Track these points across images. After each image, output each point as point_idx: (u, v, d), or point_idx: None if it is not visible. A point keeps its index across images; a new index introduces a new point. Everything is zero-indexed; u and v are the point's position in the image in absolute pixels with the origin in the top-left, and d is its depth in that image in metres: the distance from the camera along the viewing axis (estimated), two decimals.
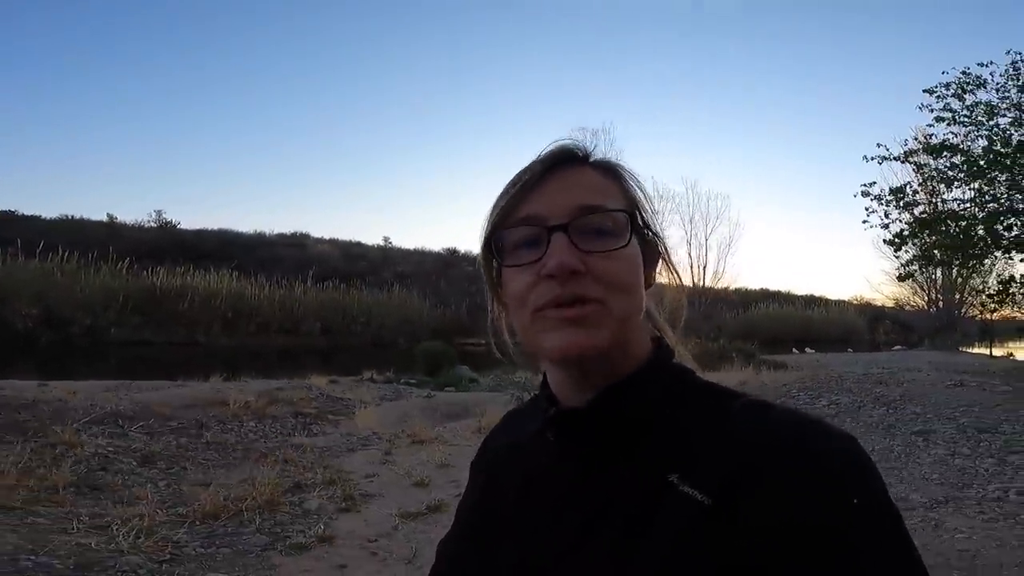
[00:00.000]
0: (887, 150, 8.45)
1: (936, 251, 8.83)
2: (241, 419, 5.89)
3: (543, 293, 0.49)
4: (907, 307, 25.34)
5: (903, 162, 8.70)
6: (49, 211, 42.77)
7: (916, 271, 10.87)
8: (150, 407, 5.90)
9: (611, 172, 0.55)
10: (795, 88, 52.18)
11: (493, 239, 0.54)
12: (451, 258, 37.03)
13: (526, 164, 0.55)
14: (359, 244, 37.68)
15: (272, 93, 55.03)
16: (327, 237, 38.14)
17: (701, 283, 20.48)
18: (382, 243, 38.92)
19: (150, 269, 24.86)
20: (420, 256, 37.12)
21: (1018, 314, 11.70)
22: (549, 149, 0.55)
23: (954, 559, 2.92)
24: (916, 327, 27.30)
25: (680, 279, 0.60)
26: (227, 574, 2.57)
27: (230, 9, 52.52)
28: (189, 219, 52.65)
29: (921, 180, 8.96)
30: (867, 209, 8.59)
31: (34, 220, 31.17)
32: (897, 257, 9.32)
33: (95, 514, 3.05)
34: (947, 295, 18.73)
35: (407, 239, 55.15)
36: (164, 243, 31.56)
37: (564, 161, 0.54)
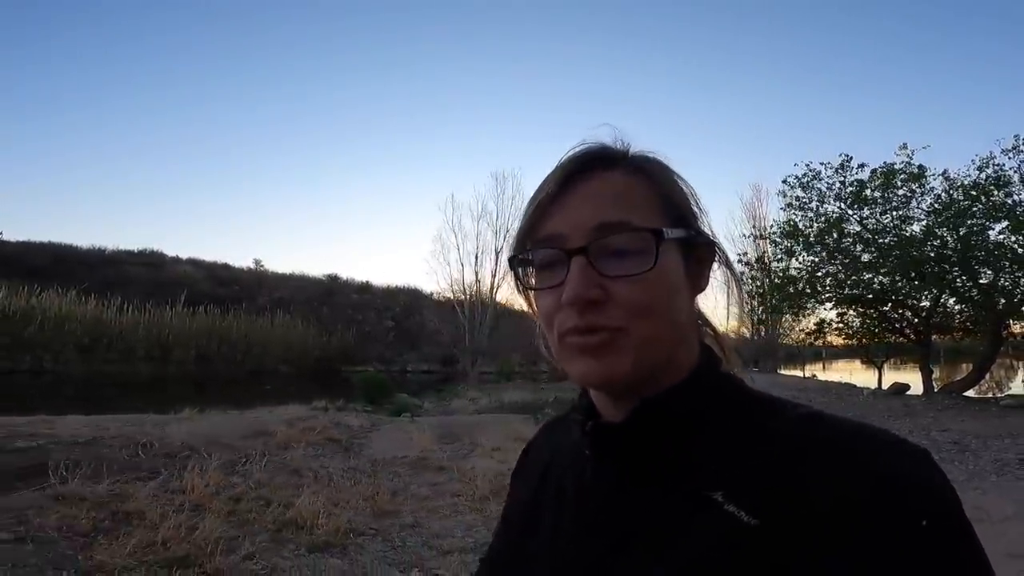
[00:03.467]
0: (757, 230, 12.24)
1: (783, 304, 12.81)
2: (300, 446, 7.01)
3: (564, 320, 0.48)
4: (731, 334, 31.89)
5: (765, 239, 12.65)
6: None
7: (769, 317, 14.98)
8: (219, 440, 6.81)
9: (641, 172, 0.51)
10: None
11: (517, 259, 0.52)
12: (333, 284, 36.64)
13: (549, 173, 0.52)
14: (227, 266, 35.59)
15: (114, 94, 49.17)
16: (186, 256, 35.51)
17: None
18: (253, 266, 37.22)
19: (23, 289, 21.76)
20: (298, 281, 36.16)
21: (817, 343, 16.50)
22: (567, 156, 0.52)
23: None
24: (741, 352, 34.05)
25: (737, 282, 0.56)
26: None
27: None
28: (10, 229, 44.35)
29: (774, 253, 12.90)
30: (741, 273, 12.24)
31: None
32: (760, 306, 13.23)
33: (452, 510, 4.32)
34: (768, 327, 24.57)
35: (281, 263, 51.81)
36: None
37: (585, 168, 0.50)
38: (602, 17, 56.87)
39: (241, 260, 37.35)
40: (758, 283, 13.16)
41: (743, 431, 0.47)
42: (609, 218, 0.48)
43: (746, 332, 29.15)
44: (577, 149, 0.52)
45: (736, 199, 35.71)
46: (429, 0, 54.21)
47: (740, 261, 12.43)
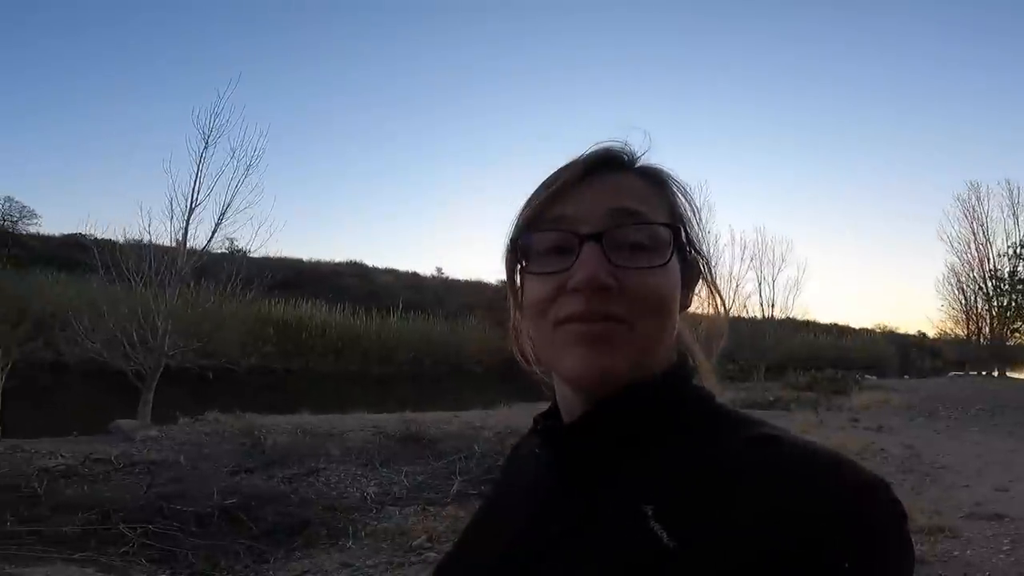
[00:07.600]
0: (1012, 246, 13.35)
1: None
2: None
3: (564, 306, 0.48)
4: (942, 336, 30.39)
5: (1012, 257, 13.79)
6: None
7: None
8: (519, 431, 9.54)
9: (657, 181, 0.54)
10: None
11: (519, 241, 0.53)
12: (505, 290, 40.01)
13: (564, 163, 0.53)
14: (416, 275, 40.66)
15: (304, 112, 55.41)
16: (382, 266, 41.28)
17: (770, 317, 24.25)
18: (436, 273, 41.65)
19: (284, 300, 28.11)
20: (478, 288, 40.28)
21: None
22: (592, 150, 0.54)
23: None
24: (945, 354, 32.30)
25: (723, 303, 0.58)
26: None
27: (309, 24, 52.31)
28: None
29: None
30: (997, 287, 13.25)
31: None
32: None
33: None
34: (995, 329, 23.56)
35: (458, 270, 55.36)
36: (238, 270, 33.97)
37: (606, 164, 0.53)
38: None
39: (423, 268, 41.99)
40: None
41: (693, 447, 0.47)
42: (627, 205, 0.50)
43: (961, 333, 27.97)
44: (600, 145, 0.54)
45: (951, 198, 33.06)
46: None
47: (994, 276, 13.45)
